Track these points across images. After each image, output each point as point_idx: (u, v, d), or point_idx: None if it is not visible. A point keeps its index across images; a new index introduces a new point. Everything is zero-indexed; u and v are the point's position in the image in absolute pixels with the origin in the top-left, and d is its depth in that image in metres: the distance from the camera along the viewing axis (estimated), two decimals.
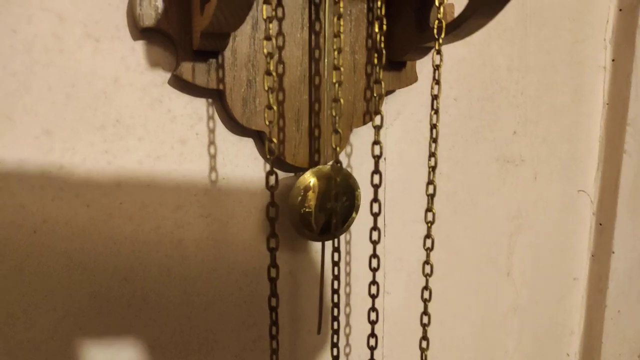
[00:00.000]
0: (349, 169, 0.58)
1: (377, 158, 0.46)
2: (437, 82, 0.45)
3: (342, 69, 0.43)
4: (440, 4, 0.43)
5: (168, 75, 0.49)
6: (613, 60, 0.74)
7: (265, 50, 0.38)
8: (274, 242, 0.41)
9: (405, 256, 0.65)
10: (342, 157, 0.57)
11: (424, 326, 0.49)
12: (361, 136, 0.58)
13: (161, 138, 0.50)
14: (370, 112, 0.56)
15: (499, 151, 0.70)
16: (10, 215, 0.45)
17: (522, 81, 0.69)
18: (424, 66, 0.62)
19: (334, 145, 0.46)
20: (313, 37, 0.51)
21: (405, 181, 0.63)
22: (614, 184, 0.75)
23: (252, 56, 0.49)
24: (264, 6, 0.37)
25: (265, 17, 0.38)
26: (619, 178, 0.74)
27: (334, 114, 0.44)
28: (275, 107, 0.40)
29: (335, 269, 0.43)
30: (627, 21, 0.72)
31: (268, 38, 0.38)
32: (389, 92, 0.58)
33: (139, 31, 0.46)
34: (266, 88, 0.39)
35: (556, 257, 0.77)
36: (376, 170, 0.46)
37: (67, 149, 0.47)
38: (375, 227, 0.47)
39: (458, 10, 0.59)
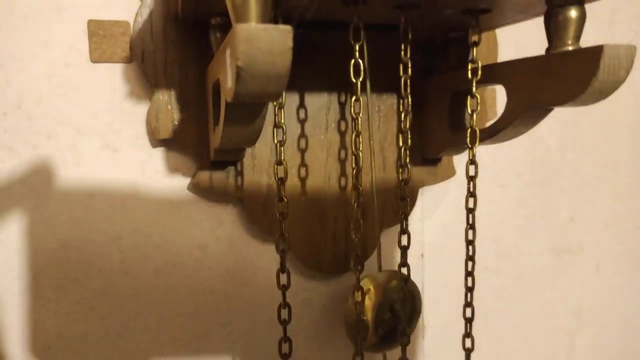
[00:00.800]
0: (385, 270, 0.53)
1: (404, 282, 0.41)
2: (472, 195, 0.40)
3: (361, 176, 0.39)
4: (472, 111, 0.39)
5: (187, 180, 0.47)
6: None
7: (277, 175, 0.36)
8: (286, 348, 0.38)
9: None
10: (373, 258, 0.53)
11: None
12: (393, 236, 0.53)
13: (179, 245, 0.48)
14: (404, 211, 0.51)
15: (553, 240, 0.63)
16: None
17: (577, 163, 0.63)
18: (464, 154, 0.57)
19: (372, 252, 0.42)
20: (338, 137, 0.48)
21: (446, 277, 0.58)
22: None
23: (273, 160, 0.46)
24: (274, 130, 0.34)
25: (276, 141, 0.35)
26: None
27: (358, 218, 0.40)
28: (285, 235, 0.37)
29: None
30: None
31: (279, 163, 0.35)
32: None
33: (160, 142, 0.45)
34: (277, 214, 0.36)
35: (626, 358, 0.68)
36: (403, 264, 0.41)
37: (81, 261, 0.45)
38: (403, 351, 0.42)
39: (500, 94, 0.54)
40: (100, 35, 0.44)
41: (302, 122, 0.47)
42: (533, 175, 0.61)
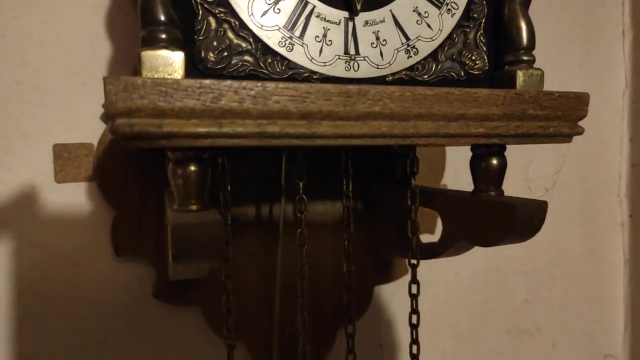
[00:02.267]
0: None
1: None
2: (415, 312, 0.43)
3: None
4: (413, 235, 0.42)
5: (149, 289, 0.49)
6: (630, 215, 0.70)
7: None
8: None
9: None
10: (334, 354, 0.55)
11: None
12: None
13: (149, 354, 0.49)
14: (361, 312, 0.54)
15: (509, 322, 0.65)
16: None
17: (529, 247, 0.66)
18: None
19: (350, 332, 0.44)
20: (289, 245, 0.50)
21: None
22: None
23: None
24: (224, 266, 0.37)
25: (224, 277, 0.37)
26: None
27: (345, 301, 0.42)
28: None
29: None
30: None
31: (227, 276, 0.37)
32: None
33: (133, 261, 0.47)
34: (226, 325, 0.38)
35: None
36: None
37: None
38: None
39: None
40: (64, 158, 0.46)
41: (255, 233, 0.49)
42: (487, 261, 0.64)
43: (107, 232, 0.47)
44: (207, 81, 0.25)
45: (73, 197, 0.47)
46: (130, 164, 0.46)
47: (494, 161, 0.36)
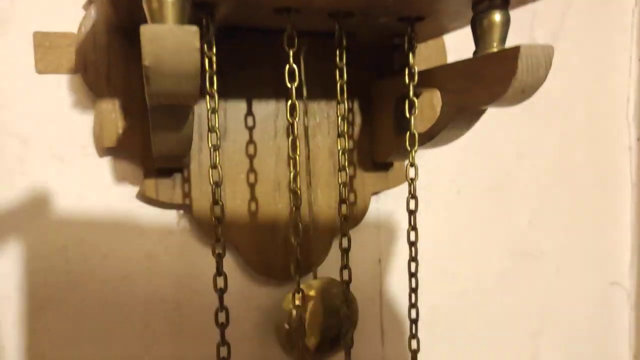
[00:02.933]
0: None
1: (345, 285, 0.41)
2: (413, 197, 0.40)
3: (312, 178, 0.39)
4: (411, 114, 0.39)
5: (136, 189, 0.47)
6: (638, 139, 0.67)
7: (211, 180, 0.36)
8: (225, 351, 0.37)
9: None
10: (327, 265, 0.53)
11: None
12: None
13: (127, 254, 0.47)
14: (356, 216, 0.52)
15: (512, 244, 0.63)
16: None
17: (533, 168, 0.63)
18: (418, 158, 0.58)
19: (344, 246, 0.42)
20: (287, 143, 0.48)
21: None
22: None
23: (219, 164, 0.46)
24: (209, 134, 0.35)
25: (210, 145, 0.35)
26: None
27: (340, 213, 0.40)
28: (221, 202, 0.37)
29: None
30: None
31: (214, 167, 0.35)
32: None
33: (108, 151, 0.45)
34: (213, 219, 0.36)
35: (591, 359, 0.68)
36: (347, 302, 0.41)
37: (27, 272, 0.45)
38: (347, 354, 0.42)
39: None
40: (45, 47, 0.44)
41: (250, 129, 0.47)
42: (490, 181, 0.62)
43: (90, 126, 0.45)
44: None
45: (55, 88, 0.45)
46: (114, 53, 0.43)
47: (497, 16, 0.33)
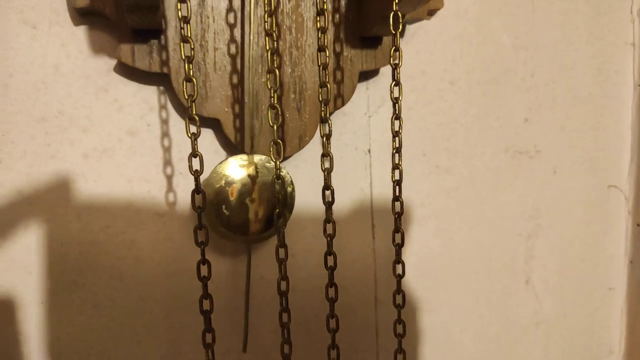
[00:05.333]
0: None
1: (326, 172, 0.39)
2: (397, 84, 0.38)
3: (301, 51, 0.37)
4: None
5: (114, 62, 0.46)
6: None
7: (179, 14, 0.34)
8: (202, 236, 0.36)
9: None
10: (311, 146, 0.51)
11: (399, 337, 0.42)
12: (334, 122, 0.52)
13: (108, 130, 0.46)
14: (342, 95, 0.50)
15: (508, 141, 0.61)
16: None
17: (531, 61, 0.61)
18: (410, 46, 0.56)
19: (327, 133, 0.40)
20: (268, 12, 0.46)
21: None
22: None
23: (200, 35, 0.44)
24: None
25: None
26: None
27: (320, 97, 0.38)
28: (194, 80, 0.35)
29: (282, 266, 0.37)
30: None
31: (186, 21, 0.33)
32: (368, 74, 0.52)
33: (78, 14, 0.43)
34: (183, 57, 0.34)
35: (586, 263, 0.67)
36: (327, 186, 0.39)
37: (6, 143, 0.44)
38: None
39: None
40: None
41: None
42: (484, 73, 0.59)
43: None
44: None
45: None
46: None
47: None
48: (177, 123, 0.48)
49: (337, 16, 0.48)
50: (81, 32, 0.45)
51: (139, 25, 0.41)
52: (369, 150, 0.55)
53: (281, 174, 0.40)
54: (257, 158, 0.46)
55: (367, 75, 0.52)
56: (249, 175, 0.45)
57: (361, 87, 0.53)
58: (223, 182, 0.44)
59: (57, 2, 0.44)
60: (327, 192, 0.39)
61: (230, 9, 0.45)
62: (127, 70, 0.45)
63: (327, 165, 0.40)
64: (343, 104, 0.50)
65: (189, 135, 0.36)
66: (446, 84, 0.58)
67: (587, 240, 0.66)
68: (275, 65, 0.40)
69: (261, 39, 0.46)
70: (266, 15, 0.37)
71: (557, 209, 0.65)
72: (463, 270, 0.61)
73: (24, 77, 0.44)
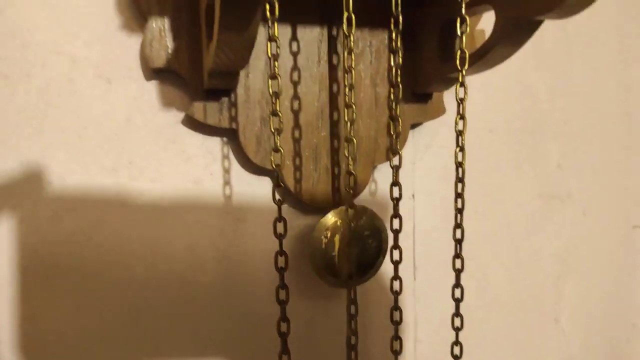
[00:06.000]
0: (372, 209, 0.54)
1: (396, 201, 0.42)
2: (462, 117, 0.41)
3: (353, 106, 0.39)
4: (462, 33, 0.40)
5: (182, 114, 0.48)
6: None
7: (270, 90, 0.36)
8: (283, 294, 0.38)
9: (436, 304, 0.60)
10: (366, 195, 0.54)
11: None
12: (385, 173, 0.54)
13: (175, 180, 0.48)
14: (395, 148, 0.52)
15: (541, 186, 0.64)
16: None
17: (566, 109, 0.64)
18: (453, 96, 0.58)
19: (350, 185, 0.43)
20: (330, 70, 0.48)
21: (437, 221, 0.59)
22: None
23: (266, 93, 0.47)
24: (269, 44, 0.35)
25: (270, 54, 0.35)
26: None
27: (346, 154, 0.41)
28: (282, 149, 0.37)
29: (352, 322, 0.40)
30: None
31: (273, 77, 0.35)
32: (415, 125, 0.55)
33: (151, 71, 0.46)
34: (273, 129, 0.37)
35: (612, 301, 0.69)
36: (395, 214, 0.42)
37: (78, 192, 0.46)
38: (396, 277, 0.43)
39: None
40: None
41: (295, 54, 0.47)
42: (522, 122, 0.62)
43: (137, 49, 0.46)
44: None
45: (103, 8, 0.45)
46: None
47: None
48: (238, 172, 0.50)
49: (391, 74, 0.51)
50: (152, 86, 0.47)
51: (215, 87, 0.43)
52: (413, 196, 0.58)
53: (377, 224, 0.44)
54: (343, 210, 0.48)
55: (412, 125, 0.55)
56: (339, 225, 0.47)
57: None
58: (323, 237, 0.46)
59: (131, 59, 0.46)
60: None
61: (294, 67, 0.47)
62: (195, 123, 0.47)
63: (395, 194, 0.43)
64: (395, 155, 0.52)
65: (276, 202, 0.38)
66: (486, 132, 0.61)
67: (613, 279, 0.69)
68: (359, 133, 0.42)
69: (322, 96, 0.48)
70: (347, 89, 0.39)
71: (585, 250, 0.67)
72: (496, 311, 0.63)
73: (97, 128, 0.46)
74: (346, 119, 0.41)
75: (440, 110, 0.53)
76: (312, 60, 0.48)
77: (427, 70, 0.48)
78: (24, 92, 0.44)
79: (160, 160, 0.48)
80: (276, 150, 0.37)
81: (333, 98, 0.49)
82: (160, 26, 0.43)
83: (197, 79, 0.45)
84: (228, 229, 0.50)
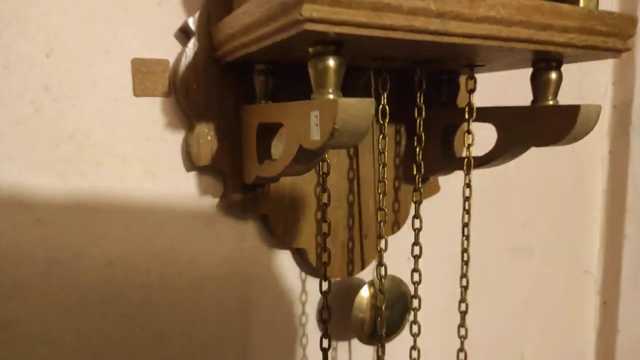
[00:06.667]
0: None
1: (415, 258, 0.50)
2: (468, 212, 0.50)
3: (385, 182, 0.47)
4: (469, 145, 0.48)
5: (216, 200, 0.53)
6: (610, 152, 0.80)
7: (321, 201, 0.43)
8: (326, 343, 0.45)
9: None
10: (373, 264, 0.61)
11: None
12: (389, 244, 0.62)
13: (210, 260, 0.53)
14: (398, 222, 0.60)
15: (509, 241, 0.75)
16: None
17: (529, 177, 0.75)
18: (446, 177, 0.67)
19: (383, 249, 0.51)
20: (347, 160, 0.56)
21: (430, 276, 0.67)
22: (616, 265, 0.80)
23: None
24: (321, 163, 0.42)
25: (321, 172, 0.42)
26: (621, 260, 0.79)
27: (378, 219, 0.49)
28: (328, 250, 0.44)
29: None
30: (620, 116, 0.79)
31: (324, 190, 0.42)
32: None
33: (194, 167, 0.51)
34: (322, 233, 0.43)
35: (565, 336, 0.81)
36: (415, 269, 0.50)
37: (127, 276, 0.50)
38: (414, 347, 0.51)
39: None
40: (143, 72, 0.49)
41: None
42: (495, 188, 0.72)
43: (179, 144, 0.51)
44: None
45: (150, 111, 0.49)
46: (212, 80, 0.49)
47: (553, 75, 0.43)
48: (263, 248, 0.56)
49: (397, 159, 0.59)
50: (192, 177, 0.52)
51: (261, 184, 0.49)
52: (408, 258, 0.66)
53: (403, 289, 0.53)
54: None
55: None
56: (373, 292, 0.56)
57: None
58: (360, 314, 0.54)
59: (174, 154, 0.51)
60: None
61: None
62: (228, 208, 0.53)
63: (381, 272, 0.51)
64: (399, 229, 0.60)
65: (322, 292, 0.45)
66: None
67: (566, 317, 0.81)
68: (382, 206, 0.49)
69: (341, 179, 0.55)
70: (381, 167, 0.47)
71: (545, 293, 0.79)
72: (473, 346, 0.73)
73: (143, 218, 0.50)
74: (379, 191, 0.50)
75: (435, 189, 0.62)
76: (332, 152, 0.55)
77: (429, 162, 0.56)
78: (78, 190, 0.48)
79: (198, 243, 0.53)
80: (326, 235, 0.44)
81: (352, 180, 0.56)
82: (205, 129, 0.49)
83: (237, 174, 0.50)
84: (255, 299, 0.56)
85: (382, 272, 0.53)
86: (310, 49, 0.34)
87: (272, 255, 0.56)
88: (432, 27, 0.32)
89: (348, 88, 0.35)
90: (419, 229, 0.53)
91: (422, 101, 0.48)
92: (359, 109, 0.31)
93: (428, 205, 0.65)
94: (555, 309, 0.80)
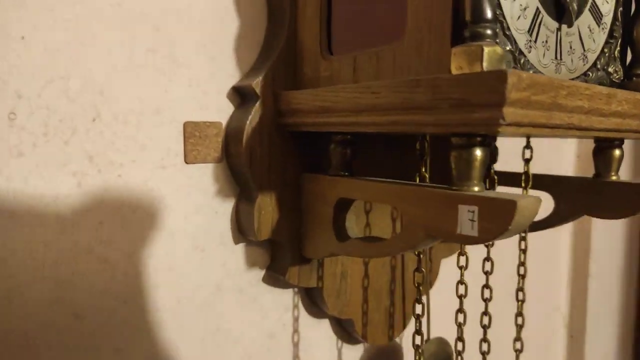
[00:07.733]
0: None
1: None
2: (488, 259, 0.51)
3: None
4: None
5: (262, 272, 0.48)
6: None
7: (415, 282, 0.41)
8: None
9: None
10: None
11: None
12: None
13: (254, 337, 0.48)
14: (431, 281, 0.60)
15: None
16: None
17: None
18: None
19: (419, 313, 0.49)
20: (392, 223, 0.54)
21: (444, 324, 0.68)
22: (582, 302, 0.87)
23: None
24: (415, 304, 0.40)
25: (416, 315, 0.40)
26: (587, 296, 0.86)
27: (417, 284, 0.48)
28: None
29: None
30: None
31: (419, 333, 0.40)
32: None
33: (245, 239, 0.46)
34: (417, 313, 0.41)
35: None
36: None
37: (172, 349, 0.43)
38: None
39: None
40: (196, 137, 0.43)
41: (367, 212, 0.52)
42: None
43: (229, 214, 0.46)
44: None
45: (200, 179, 0.44)
46: (275, 148, 0.44)
47: (617, 151, 0.45)
48: (304, 318, 0.52)
49: None
50: (239, 249, 0.47)
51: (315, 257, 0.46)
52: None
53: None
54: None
55: None
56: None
57: None
58: None
59: (223, 225, 0.45)
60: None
61: (367, 223, 0.52)
62: (273, 279, 0.49)
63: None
64: (431, 287, 0.60)
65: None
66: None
67: (536, 349, 0.86)
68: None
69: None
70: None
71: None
72: None
73: (190, 298, 0.44)
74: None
75: (456, 248, 0.62)
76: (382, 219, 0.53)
77: None
78: (122, 275, 0.40)
79: (242, 320, 0.47)
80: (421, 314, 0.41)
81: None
82: (268, 199, 0.44)
83: (295, 247, 0.46)
84: None
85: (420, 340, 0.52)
86: (453, 139, 0.32)
87: (310, 324, 0.52)
88: (584, 125, 0.32)
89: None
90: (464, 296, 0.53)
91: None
92: (532, 210, 0.30)
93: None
94: (529, 343, 0.84)
